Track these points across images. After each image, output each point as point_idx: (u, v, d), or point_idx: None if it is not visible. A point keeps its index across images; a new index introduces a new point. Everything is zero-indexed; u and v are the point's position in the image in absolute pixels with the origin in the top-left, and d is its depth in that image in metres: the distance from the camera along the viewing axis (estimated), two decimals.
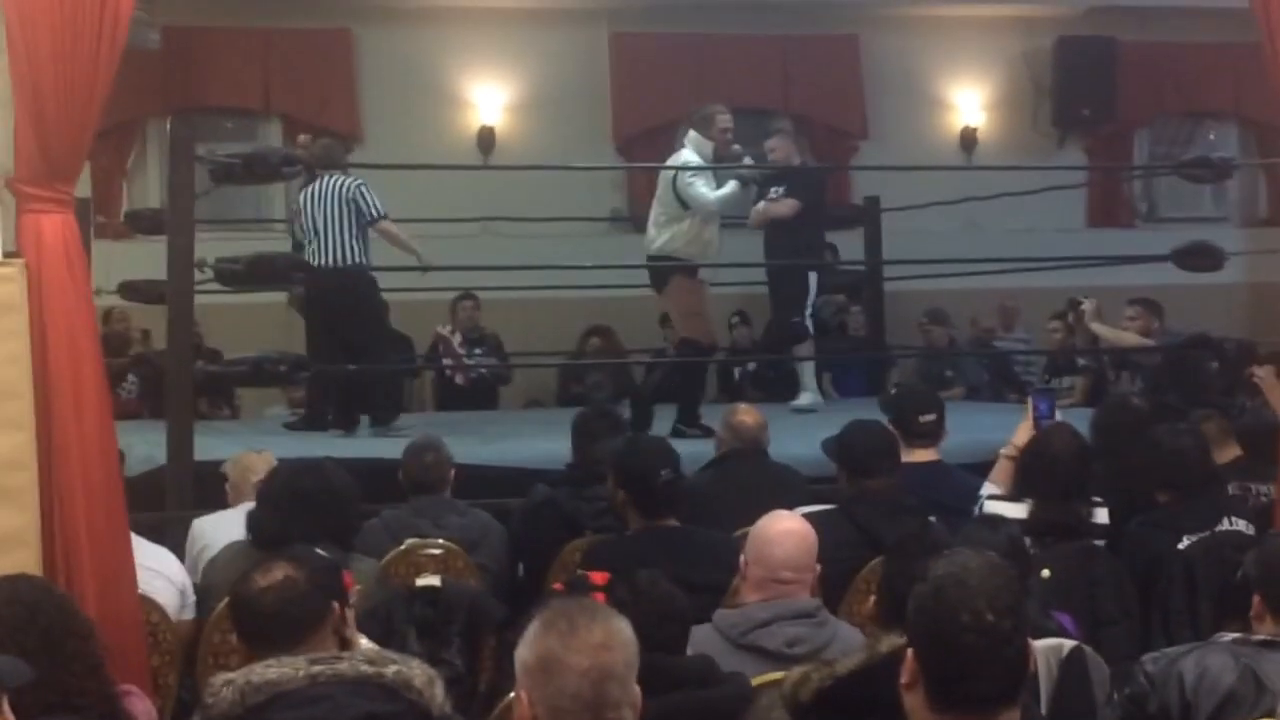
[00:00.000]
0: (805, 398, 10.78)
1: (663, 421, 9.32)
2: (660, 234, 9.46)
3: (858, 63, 15.27)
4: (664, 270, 9.52)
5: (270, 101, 14.14)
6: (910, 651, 3.21)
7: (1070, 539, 5.89)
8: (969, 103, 15.52)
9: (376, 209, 9.60)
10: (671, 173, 9.40)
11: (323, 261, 9.36)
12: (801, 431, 8.37)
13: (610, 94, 14.76)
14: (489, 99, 14.59)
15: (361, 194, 9.58)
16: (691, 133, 9.60)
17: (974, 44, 15.48)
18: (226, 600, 5.18)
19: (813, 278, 10.75)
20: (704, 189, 9.36)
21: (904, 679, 3.21)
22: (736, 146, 9.86)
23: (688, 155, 9.53)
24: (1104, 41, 15.37)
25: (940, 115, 15.49)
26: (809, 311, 10.71)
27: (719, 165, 9.53)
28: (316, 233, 9.49)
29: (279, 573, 3.89)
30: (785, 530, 4.73)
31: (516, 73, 14.61)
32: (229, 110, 14.22)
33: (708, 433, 8.60)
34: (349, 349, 9.56)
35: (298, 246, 10.06)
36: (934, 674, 3.16)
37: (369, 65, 14.45)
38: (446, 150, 13.98)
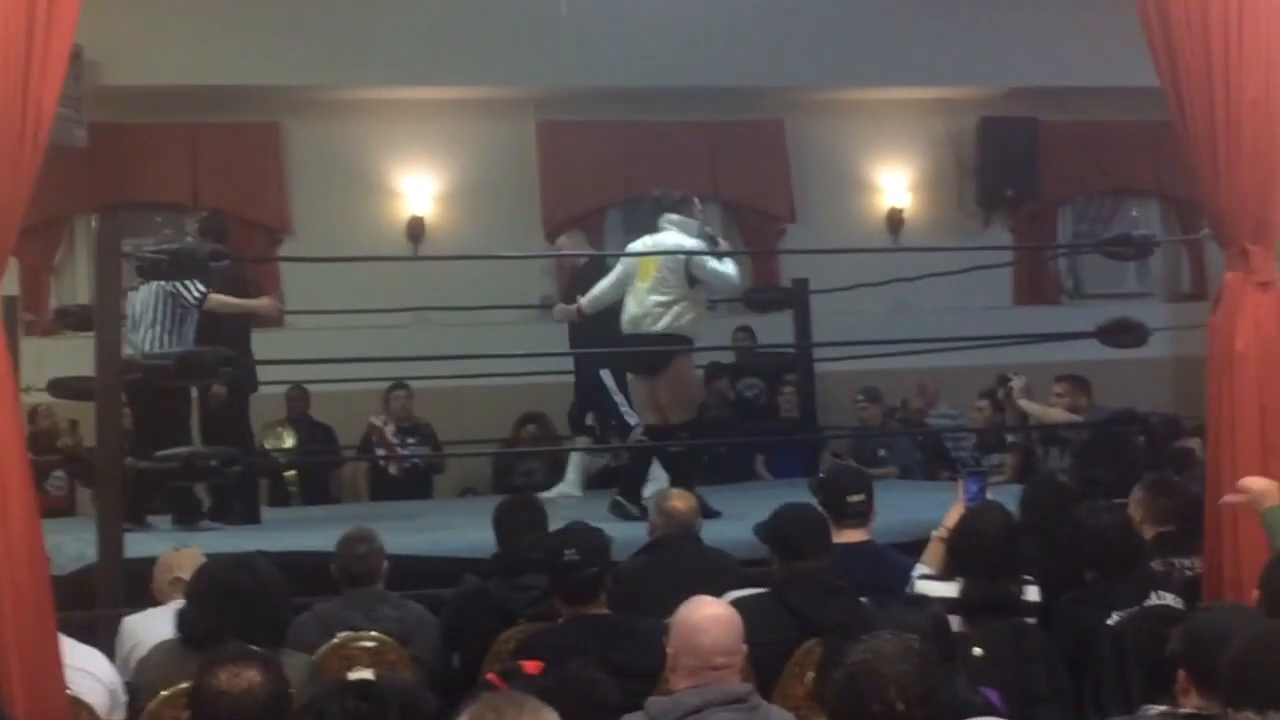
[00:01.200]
0: (560, 488, 10.94)
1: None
2: (666, 313, 9.34)
3: (784, 147, 15.43)
4: (660, 355, 9.44)
5: (199, 196, 14.13)
6: None
7: (1001, 617, 5.93)
8: (895, 184, 15.69)
9: (197, 292, 9.40)
10: (680, 255, 9.31)
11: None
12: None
13: (539, 182, 14.84)
14: (418, 189, 14.65)
15: (179, 287, 9.39)
16: (673, 216, 9.56)
17: (898, 126, 15.67)
18: (159, 699, 5.19)
19: (606, 376, 10.72)
20: (726, 268, 9.42)
21: None
22: (709, 228, 9.88)
23: (677, 238, 9.48)
24: (1026, 122, 15.60)
25: (867, 197, 15.66)
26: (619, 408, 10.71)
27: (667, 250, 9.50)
28: (137, 330, 9.39)
29: (243, 679, 3.91)
30: (710, 617, 4.72)
31: (445, 162, 14.69)
32: (157, 205, 14.20)
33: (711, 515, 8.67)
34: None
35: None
36: None
37: (298, 158, 14.50)
38: (377, 241, 14.05)
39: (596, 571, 6.00)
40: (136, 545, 7.69)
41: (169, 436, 8.82)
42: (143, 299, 9.43)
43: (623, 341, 9.71)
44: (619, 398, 10.67)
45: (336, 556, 6.60)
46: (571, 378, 12.15)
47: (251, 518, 9.68)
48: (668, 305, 9.37)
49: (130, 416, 9.26)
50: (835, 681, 3.27)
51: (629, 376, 10.19)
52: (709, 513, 8.71)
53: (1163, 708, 4.21)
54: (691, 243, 9.46)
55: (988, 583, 6.00)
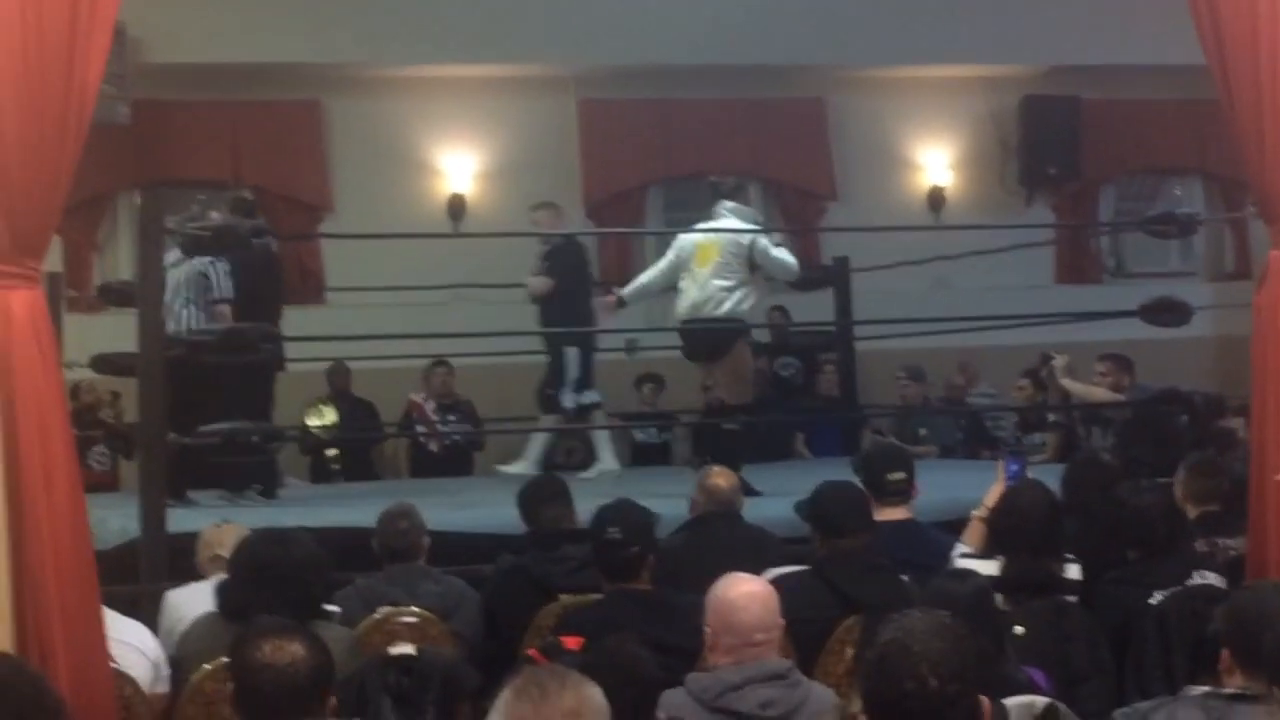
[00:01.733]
0: (595, 469, 10.97)
1: (637, 485, 9.31)
2: (729, 298, 9.47)
3: (825, 125, 15.39)
4: (730, 334, 9.56)
5: (240, 173, 14.14)
6: (864, 716, 3.24)
7: (1042, 595, 5.91)
8: (936, 163, 15.64)
9: (221, 289, 9.62)
10: (745, 240, 9.47)
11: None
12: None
13: (579, 160, 14.83)
14: (458, 167, 14.67)
15: (211, 271, 9.59)
16: (729, 203, 9.75)
17: (940, 104, 15.60)
18: (202, 673, 5.22)
19: (572, 354, 10.82)
20: (788, 256, 9.64)
21: None
22: (760, 217, 10.16)
23: (736, 225, 9.65)
24: (1068, 100, 15.52)
25: (908, 175, 15.61)
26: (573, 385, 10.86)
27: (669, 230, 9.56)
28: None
29: (286, 653, 3.93)
30: (748, 594, 4.73)
31: (485, 140, 14.70)
32: (199, 183, 14.22)
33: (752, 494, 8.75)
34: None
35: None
36: None
37: (338, 135, 14.52)
38: (417, 218, 14.06)
39: (638, 551, 5.99)
40: (179, 520, 7.74)
41: (214, 412, 8.90)
42: (175, 278, 9.47)
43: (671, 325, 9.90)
44: (572, 376, 10.80)
45: (378, 532, 6.63)
46: (614, 355, 12.22)
47: (269, 494, 9.64)
48: (731, 290, 9.49)
49: (174, 392, 9.34)
50: (867, 661, 3.26)
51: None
52: (750, 491, 8.70)
53: (1206, 688, 4.19)
54: (751, 231, 9.60)
55: (1029, 560, 5.99)
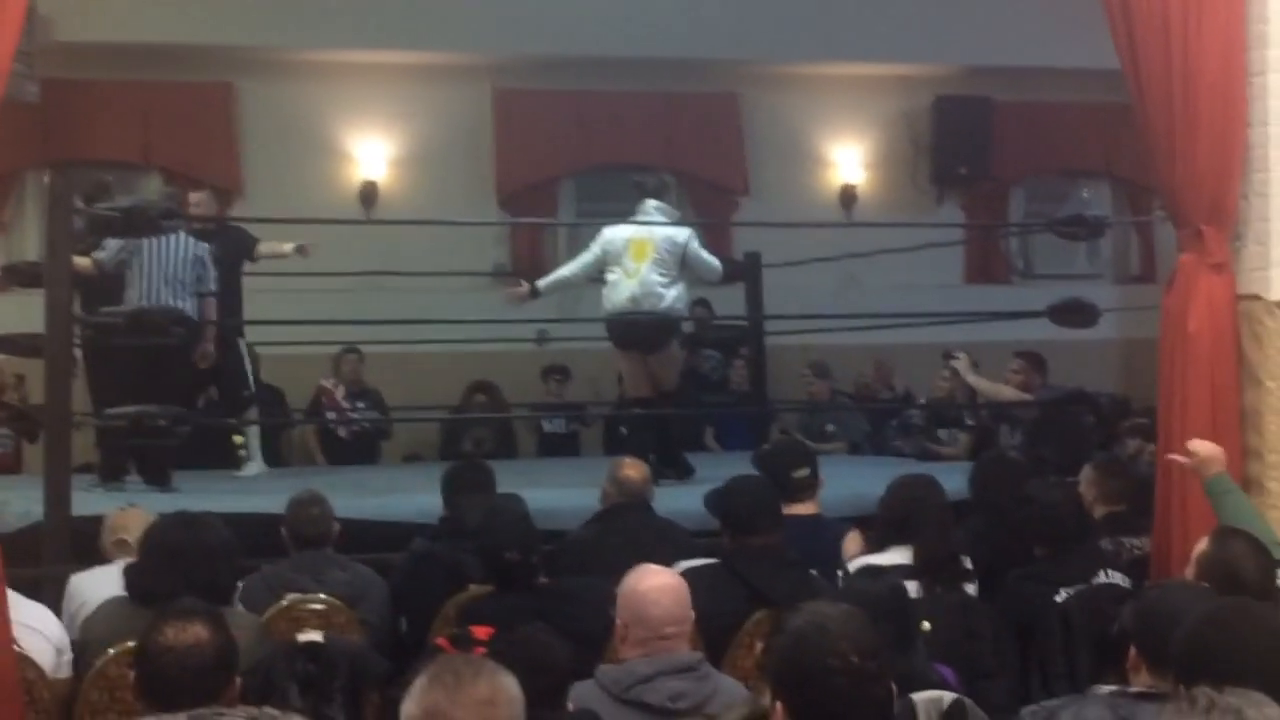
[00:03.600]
0: (250, 468, 10.74)
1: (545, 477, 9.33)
2: (667, 293, 9.66)
3: (738, 120, 15.40)
4: (669, 328, 9.88)
5: (151, 154, 14.02)
6: (778, 705, 3.25)
7: (951, 580, 5.97)
8: (849, 160, 15.68)
9: (214, 282, 9.81)
10: (680, 238, 9.73)
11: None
12: None
13: (493, 149, 14.77)
14: (371, 153, 14.57)
15: (208, 260, 9.73)
16: (654, 202, 9.92)
17: (853, 102, 15.65)
18: (106, 657, 5.17)
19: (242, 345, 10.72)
20: (714, 260, 10.00)
21: None
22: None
23: (671, 225, 9.89)
24: (980, 101, 15.60)
25: (820, 172, 15.63)
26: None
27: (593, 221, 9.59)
28: (152, 285, 9.46)
29: (189, 634, 3.89)
30: (658, 586, 4.74)
31: (399, 127, 14.61)
32: (109, 163, 14.07)
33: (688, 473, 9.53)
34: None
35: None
36: (817, 715, 3.21)
37: (250, 119, 14.38)
38: (329, 204, 13.97)
39: (534, 561, 6.05)
40: (83, 504, 7.66)
41: (161, 395, 8.92)
42: (168, 254, 9.48)
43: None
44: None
45: (288, 518, 6.59)
46: (522, 346, 12.23)
47: (162, 481, 9.56)
48: (667, 286, 9.66)
49: (119, 376, 9.32)
50: (779, 647, 3.27)
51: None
52: (687, 470, 9.73)
53: (1113, 687, 4.23)
54: (685, 231, 9.86)
55: (938, 541, 6.05)
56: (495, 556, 6.00)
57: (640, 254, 9.68)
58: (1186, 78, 6.08)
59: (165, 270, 9.46)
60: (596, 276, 9.95)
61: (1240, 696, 2.92)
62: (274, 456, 12.02)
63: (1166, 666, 3.78)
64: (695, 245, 9.77)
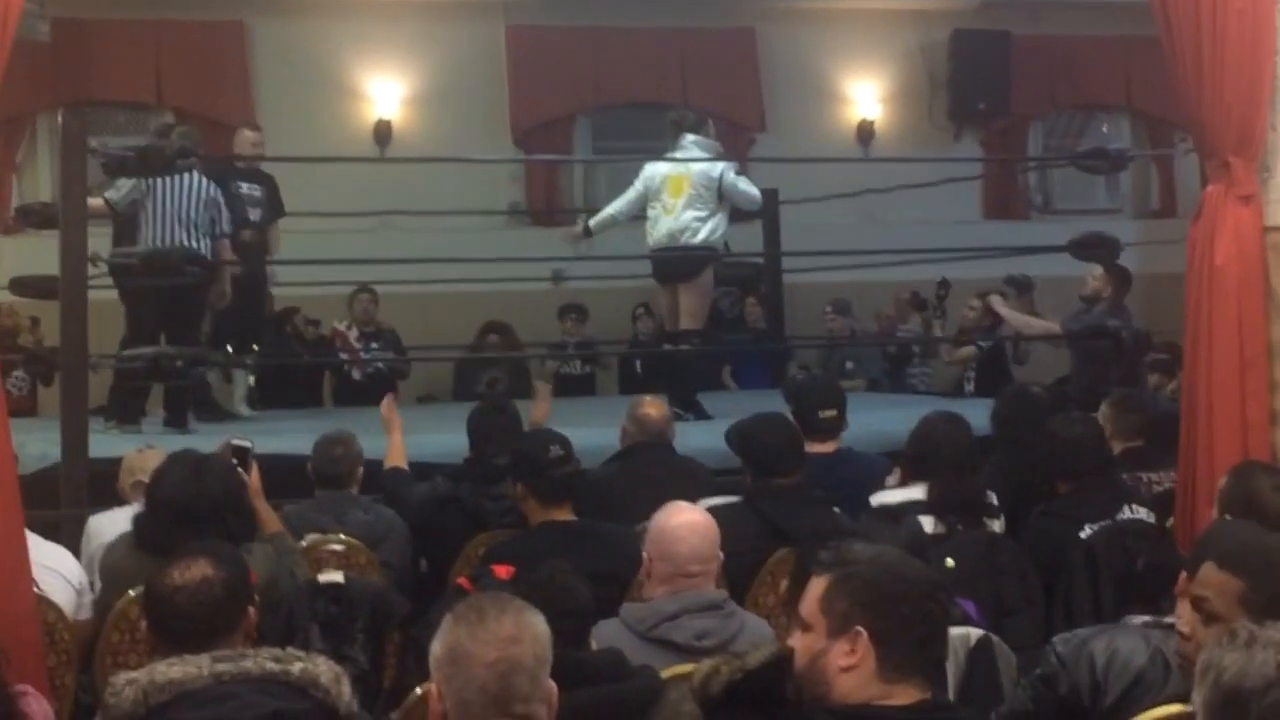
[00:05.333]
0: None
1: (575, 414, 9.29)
2: (703, 227, 9.82)
3: (754, 56, 15.32)
4: (700, 260, 9.96)
5: (163, 94, 13.98)
6: (861, 631, 3.22)
7: (968, 515, 5.94)
8: (866, 96, 15.59)
9: (228, 221, 9.79)
10: (714, 172, 9.80)
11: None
12: None
13: (508, 87, 14.70)
14: (385, 92, 14.50)
15: (222, 202, 9.70)
16: (692, 136, 10.00)
17: (870, 37, 15.55)
18: (126, 598, 5.14)
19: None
20: (752, 188, 10.00)
21: (845, 662, 3.23)
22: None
23: (700, 155, 9.93)
24: (998, 35, 15.49)
25: (837, 108, 15.55)
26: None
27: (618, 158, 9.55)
28: (165, 226, 9.44)
29: (195, 571, 3.84)
30: (687, 523, 4.70)
31: (413, 65, 14.54)
32: (120, 103, 14.04)
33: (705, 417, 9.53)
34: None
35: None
36: (899, 644, 3.23)
37: (263, 57, 14.32)
38: (343, 143, 13.91)
39: (574, 470, 5.99)
40: (99, 446, 7.63)
41: (178, 335, 8.93)
42: (181, 194, 9.44)
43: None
44: None
45: (313, 458, 6.56)
46: (538, 285, 12.19)
47: (179, 424, 9.56)
48: (704, 220, 9.83)
49: (132, 314, 9.34)
50: (864, 575, 3.29)
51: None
52: (702, 414, 9.69)
53: (1146, 617, 4.20)
54: (721, 163, 9.91)
55: (953, 480, 6.01)
56: (540, 457, 5.90)
57: (677, 190, 9.86)
58: (1215, 6, 5.99)
59: (179, 211, 9.42)
60: (640, 213, 10.10)
61: None
62: (286, 398, 11.97)
63: None
64: (731, 176, 9.85)
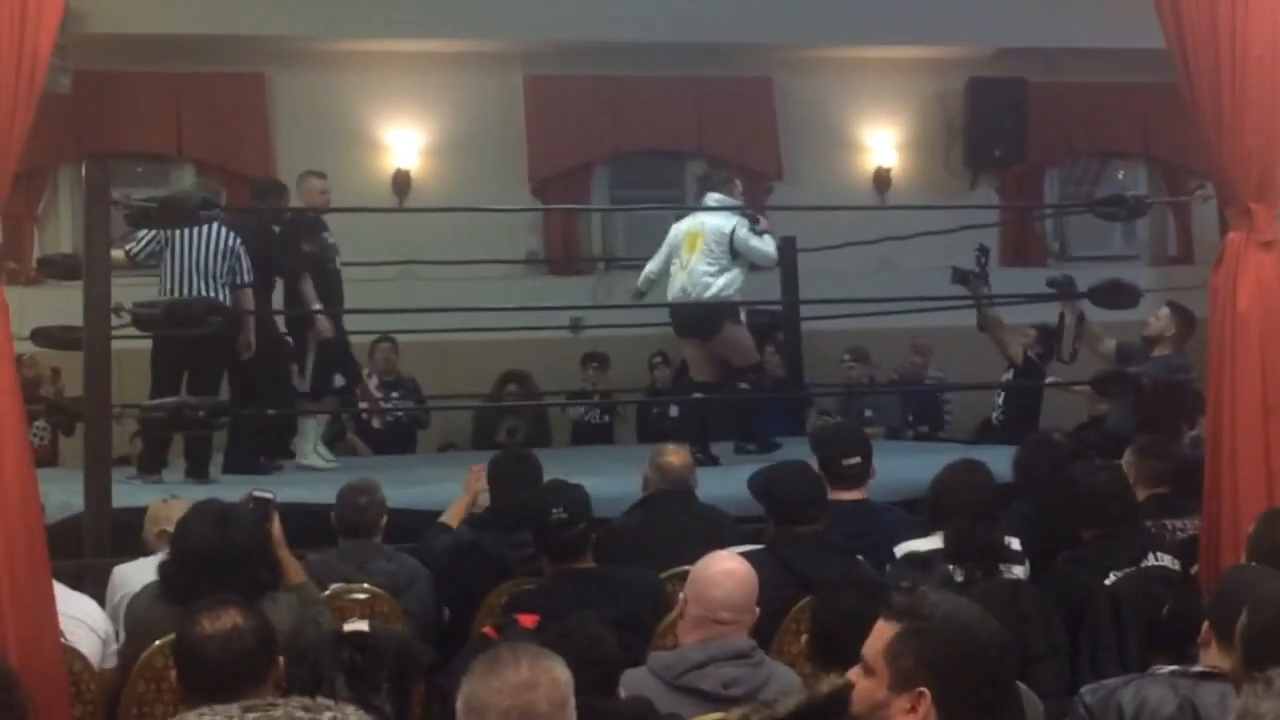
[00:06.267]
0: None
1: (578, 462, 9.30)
2: (714, 282, 10.12)
3: (771, 105, 15.36)
4: (716, 315, 10.23)
5: (183, 146, 14.04)
6: (924, 693, 3.18)
7: (984, 562, 5.93)
8: (882, 144, 15.63)
9: (249, 272, 9.77)
10: (726, 228, 10.11)
11: None
12: None
13: (525, 137, 14.74)
14: (404, 142, 14.56)
15: (242, 253, 9.70)
16: (715, 195, 10.37)
17: (886, 86, 15.58)
18: (152, 648, 5.15)
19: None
20: (767, 246, 10.28)
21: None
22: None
23: (722, 215, 10.23)
24: (1014, 83, 15.52)
25: (854, 156, 15.58)
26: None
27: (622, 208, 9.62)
28: (184, 277, 9.49)
29: (226, 620, 3.86)
30: (726, 571, 4.72)
31: (431, 116, 14.60)
32: (141, 155, 14.11)
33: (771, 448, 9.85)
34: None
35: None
36: (963, 710, 3.18)
37: (283, 109, 14.38)
38: (362, 193, 13.92)
39: (584, 528, 5.99)
40: (122, 495, 7.65)
41: (200, 385, 9.03)
42: (200, 246, 9.49)
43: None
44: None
45: (337, 506, 6.58)
46: (557, 334, 12.22)
47: (200, 475, 9.57)
48: (715, 275, 10.13)
49: (159, 364, 9.44)
50: (930, 633, 3.23)
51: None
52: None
53: (1173, 666, 4.19)
54: (734, 220, 10.17)
55: (967, 526, 6.01)
56: (544, 519, 5.94)
57: (692, 246, 10.20)
58: (1234, 54, 6.01)
59: (196, 262, 9.46)
60: None
61: None
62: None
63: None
64: (743, 233, 10.09)
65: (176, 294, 9.32)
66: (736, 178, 10.82)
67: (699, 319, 10.28)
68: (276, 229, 10.39)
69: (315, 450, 10.64)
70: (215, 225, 9.47)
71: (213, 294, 9.41)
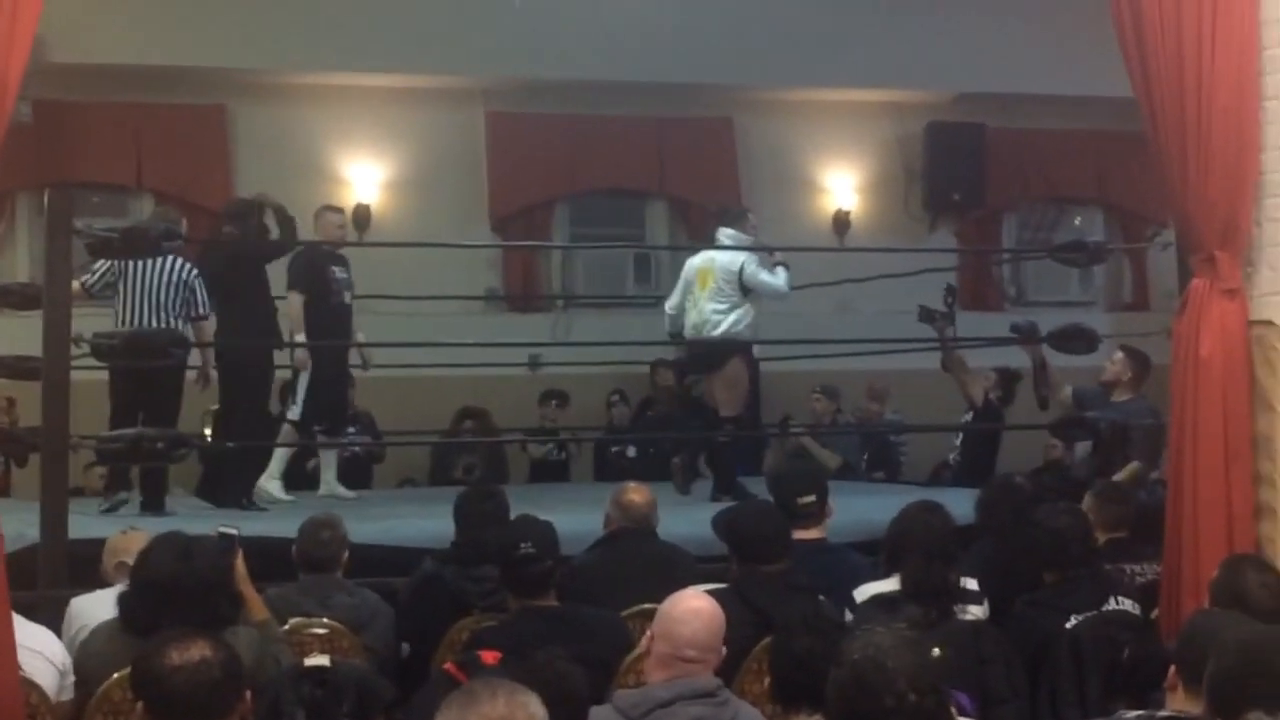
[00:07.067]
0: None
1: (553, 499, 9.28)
2: (724, 320, 10.35)
3: (733, 145, 15.41)
4: (725, 351, 10.45)
5: (142, 176, 13.98)
6: None
7: (940, 602, 5.92)
8: (842, 186, 15.69)
9: (204, 304, 9.69)
10: (735, 265, 10.30)
11: None
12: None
13: (486, 173, 14.75)
14: (364, 176, 14.55)
15: (197, 285, 9.63)
16: (729, 230, 10.57)
17: (846, 129, 15.66)
18: (110, 681, 5.10)
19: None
20: (777, 280, 10.46)
21: None
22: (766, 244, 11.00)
23: (733, 253, 10.41)
24: (973, 128, 15.63)
25: (814, 198, 15.64)
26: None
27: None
28: (138, 309, 9.44)
29: (194, 652, 3.82)
30: (693, 609, 4.72)
31: (393, 150, 14.59)
32: (100, 185, 14.03)
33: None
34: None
35: None
36: None
37: (243, 141, 14.35)
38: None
39: (550, 565, 5.97)
40: (78, 527, 7.58)
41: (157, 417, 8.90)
42: (153, 277, 9.44)
43: None
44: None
45: (299, 541, 6.54)
46: (516, 371, 12.20)
47: (156, 508, 9.50)
48: (725, 313, 10.36)
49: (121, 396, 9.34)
50: (839, 680, 3.21)
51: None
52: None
53: (1139, 711, 4.19)
54: (744, 257, 10.37)
55: (922, 567, 6.00)
56: (510, 554, 5.92)
57: (704, 283, 10.43)
58: (1200, 103, 6.07)
59: (150, 295, 9.41)
60: None
61: None
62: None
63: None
64: (752, 269, 10.29)
65: (130, 326, 9.26)
66: (750, 212, 11.01)
67: (705, 355, 10.55)
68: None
69: (336, 480, 10.89)
70: (170, 257, 9.41)
71: (163, 325, 9.35)
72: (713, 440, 10.88)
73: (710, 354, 10.49)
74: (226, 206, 10.87)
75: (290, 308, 10.27)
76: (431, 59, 14.11)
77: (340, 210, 10.99)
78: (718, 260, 10.40)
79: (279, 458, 10.55)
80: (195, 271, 9.65)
